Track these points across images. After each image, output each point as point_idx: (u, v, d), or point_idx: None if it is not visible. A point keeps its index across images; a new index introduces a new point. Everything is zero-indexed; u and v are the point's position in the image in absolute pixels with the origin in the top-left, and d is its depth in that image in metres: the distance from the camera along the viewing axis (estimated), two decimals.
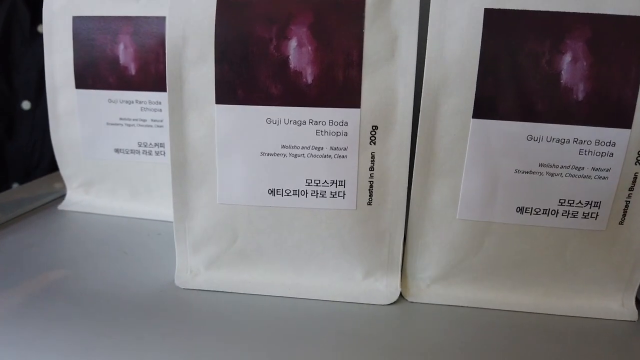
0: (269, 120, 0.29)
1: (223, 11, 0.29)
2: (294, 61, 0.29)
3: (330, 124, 0.29)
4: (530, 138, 0.28)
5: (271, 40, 0.29)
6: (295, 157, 0.30)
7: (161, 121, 0.43)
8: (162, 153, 0.43)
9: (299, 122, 0.29)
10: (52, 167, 0.64)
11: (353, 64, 0.29)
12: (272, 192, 0.30)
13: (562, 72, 0.27)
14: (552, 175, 0.28)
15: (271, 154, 0.30)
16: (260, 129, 0.30)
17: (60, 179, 0.47)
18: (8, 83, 0.65)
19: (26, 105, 0.65)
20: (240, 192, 0.30)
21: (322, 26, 0.29)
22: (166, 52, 0.30)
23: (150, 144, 0.43)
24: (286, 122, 0.29)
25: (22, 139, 0.66)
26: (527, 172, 0.28)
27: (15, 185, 0.67)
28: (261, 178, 0.30)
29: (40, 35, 0.64)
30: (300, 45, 0.29)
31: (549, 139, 0.28)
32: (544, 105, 0.28)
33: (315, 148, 0.30)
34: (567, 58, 0.27)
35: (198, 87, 0.30)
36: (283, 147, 0.30)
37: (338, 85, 0.29)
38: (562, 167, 0.28)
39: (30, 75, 0.64)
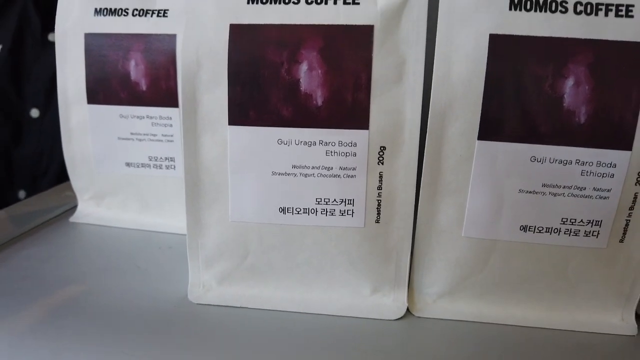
0: (280, 141, 0.30)
1: (235, 36, 0.30)
2: (304, 84, 0.30)
3: (340, 144, 0.30)
4: (534, 159, 0.29)
5: (282, 64, 0.30)
6: (306, 176, 0.31)
7: (172, 136, 0.43)
8: (173, 167, 0.44)
9: (309, 143, 0.30)
10: (59, 175, 0.65)
11: (362, 87, 0.30)
12: (282, 210, 0.31)
13: (565, 95, 0.28)
14: (554, 195, 0.29)
15: (282, 174, 0.31)
16: (271, 150, 0.30)
17: (70, 188, 0.48)
18: (17, 90, 0.66)
19: (35, 113, 0.66)
20: (251, 210, 0.31)
21: (332, 50, 0.29)
22: (181, 75, 0.31)
23: (161, 158, 0.44)
24: (297, 143, 0.30)
25: (30, 146, 0.67)
26: (530, 192, 0.29)
27: (21, 193, 0.68)
28: (272, 197, 0.31)
29: (51, 44, 0.65)
30: (310, 68, 0.30)
31: (551, 160, 0.29)
32: (547, 128, 0.28)
33: (325, 168, 0.30)
34: (570, 82, 0.28)
35: (211, 109, 0.31)
36: (294, 167, 0.31)
37: (347, 107, 0.30)
38: (564, 187, 0.29)
39: (40, 83, 0.65)
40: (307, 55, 0.30)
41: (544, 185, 0.29)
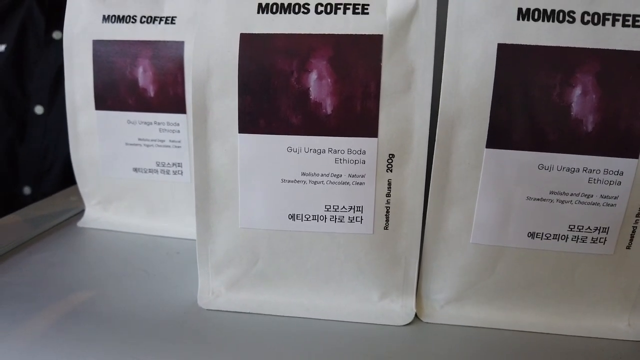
0: (289, 149, 0.31)
1: (246, 45, 0.30)
2: (314, 93, 0.30)
3: (349, 152, 0.30)
4: (542, 167, 0.29)
5: (292, 73, 0.30)
6: (315, 184, 0.31)
7: (179, 142, 0.44)
8: (180, 172, 0.44)
9: (319, 151, 0.31)
10: (64, 171, 0.65)
11: (371, 95, 0.30)
12: (292, 217, 0.31)
13: (573, 104, 0.28)
14: (562, 202, 0.29)
15: (291, 181, 0.31)
16: (281, 157, 0.31)
17: (76, 193, 0.48)
18: (21, 88, 0.66)
19: (39, 109, 0.66)
20: (261, 216, 0.32)
21: (342, 60, 0.30)
22: (191, 83, 0.31)
23: (168, 163, 0.44)
24: (306, 151, 0.31)
25: (34, 143, 0.67)
26: (538, 199, 0.30)
27: (26, 189, 0.68)
28: (282, 203, 0.31)
29: (55, 42, 0.65)
30: (320, 77, 0.30)
31: (559, 168, 0.29)
32: (555, 136, 0.29)
33: (334, 175, 0.31)
34: (577, 91, 0.28)
35: (222, 117, 0.31)
36: (303, 174, 0.31)
37: (356, 115, 0.30)
38: (572, 194, 0.29)
39: (44, 81, 0.65)
40: (316, 65, 0.30)
41: (551, 193, 0.29)
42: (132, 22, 0.43)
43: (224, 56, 0.30)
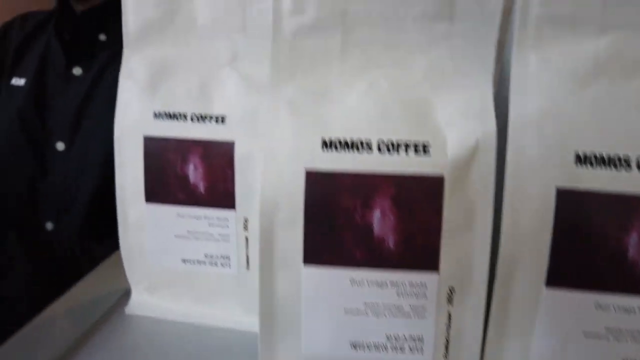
0: (352, 282, 0.32)
1: (311, 181, 0.32)
2: (377, 229, 0.31)
3: (411, 285, 0.32)
4: (598, 307, 0.30)
5: (356, 209, 0.31)
6: (377, 315, 0.32)
7: (227, 236, 0.45)
8: (228, 265, 0.46)
9: (381, 284, 0.32)
10: (86, 208, 0.65)
11: (432, 232, 0.31)
12: (354, 346, 0.33)
13: (630, 247, 0.30)
14: (618, 339, 0.31)
15: (354, 312, 0.32)
16: (344, 289, 0.32)
17: (113, 267, 0.49)
18: (42, 124, 0.66)
19: (60, 146, 0.66)
20: (324, 344, 0.33)
21: (404, 199, 0.31)
22: (259, 214, 0.32)
23: (217, 256, 0.46)
24: (369, 284, 0.32)
25: (56, 179, 0.67)
26: (594, 336, 0.31)
27: (49, 224, 0.68)
28: (344, 332, 0.32)
29: (76, 78, 0.65)
30: (383, 215, 0.31)
31: (615, 309, 0.30)
32: (612, 277, 0.30)
33: (396, 307, 0.32)
34: (635, 237, 0.29)
35: (287, 248, 0.32)
36: (365, 305, 0.32)
37: (418, 251, 0.31)
38: (627, 331, 0.30)
39: (64, 117, 0.65)
40: (380, 203, 0.31)
41: (607, 330, 0.31)
42: (183, 119, 0.45)
43: (291, 191, 0.32)
